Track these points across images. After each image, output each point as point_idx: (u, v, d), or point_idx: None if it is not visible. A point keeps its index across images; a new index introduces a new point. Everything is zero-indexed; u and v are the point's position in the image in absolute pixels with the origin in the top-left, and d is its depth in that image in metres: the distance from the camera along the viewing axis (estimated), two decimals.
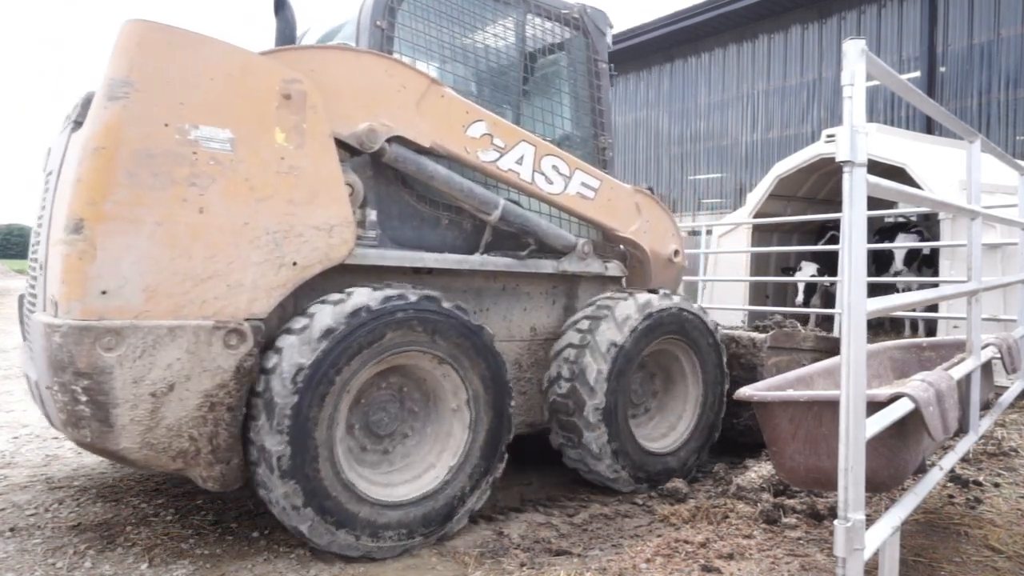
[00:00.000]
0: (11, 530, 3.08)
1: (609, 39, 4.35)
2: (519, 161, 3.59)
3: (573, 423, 3.57)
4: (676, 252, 4.41)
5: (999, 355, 3.18)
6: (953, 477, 3.73)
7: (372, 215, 3.27)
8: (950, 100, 10.05)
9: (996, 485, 3.72)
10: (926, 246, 8.06)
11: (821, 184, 9.65)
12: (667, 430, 4.05)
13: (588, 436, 3.55)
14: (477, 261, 3.57)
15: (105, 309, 2.49)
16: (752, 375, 4.15)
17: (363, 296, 2.85)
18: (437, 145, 3.35)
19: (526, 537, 3.09)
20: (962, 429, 2.70)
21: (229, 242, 2.71)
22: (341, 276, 3.04)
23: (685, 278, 9.90)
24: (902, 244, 8.65)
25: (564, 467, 3.80)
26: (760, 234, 9.35)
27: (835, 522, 1.73)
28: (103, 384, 2.48)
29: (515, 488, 3.80)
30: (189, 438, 2.63)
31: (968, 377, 2.70)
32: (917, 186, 6.72)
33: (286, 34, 3.56)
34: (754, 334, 4.45)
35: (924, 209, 7.64)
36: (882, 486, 2.25)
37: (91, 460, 4.16)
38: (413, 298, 2.96)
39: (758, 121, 12.52)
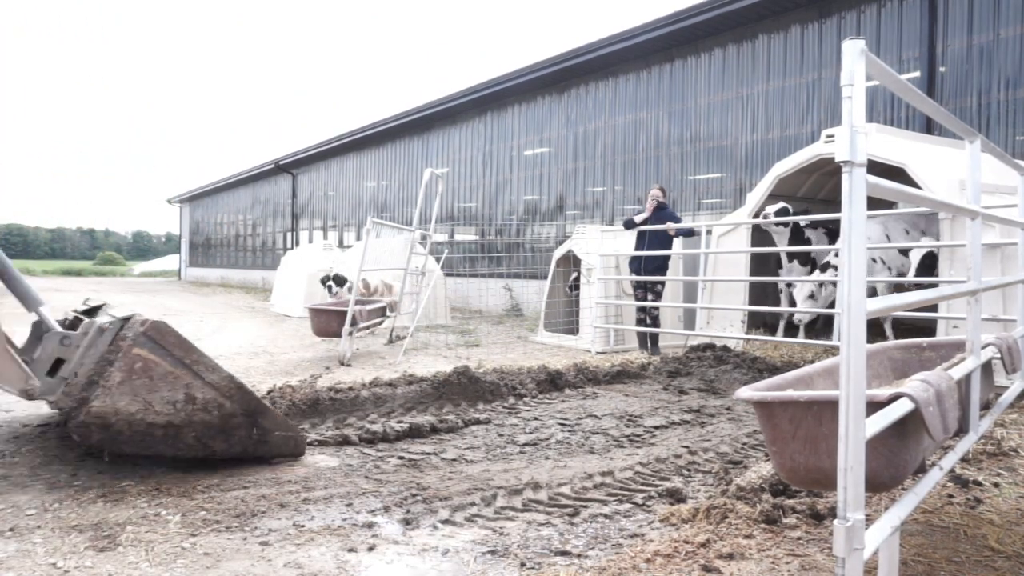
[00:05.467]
0: (11, 530, 3.08)
1: None
2: None
3: None
4: None
5: (999, 355, 3.18)
6: (953, 477, 3.73)
7: None
8: (949, 100, 10.04)
9: (996, 485, 3.72)
10: (936, 246, 8.04)
11: (821, 184, 9.65)
12: None
13: None
14: None
15: None
16: None
17: None
18: None
19: (526, 537, 3.09)
20: (962, 429, 2.70)
21: None
22: None
23: (686, 278, 9.94)
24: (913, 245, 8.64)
25: (569, 468, 3.77)
26: (760, 234, 9.35)
27: (835, 522, 1.73)
28: None
29: (505, 489, 3.80)
30: None
31: (968, 377, 2.70)
32: (917, 186, 6.72)
33: None
34: None
35: (924, 209, 7.63)
36: (882, 486, 2.25)
37: (92, 460, 4.16)
38: None
39: (758, 121, 12.51)
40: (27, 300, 4.19)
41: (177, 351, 3.83)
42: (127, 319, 3.94)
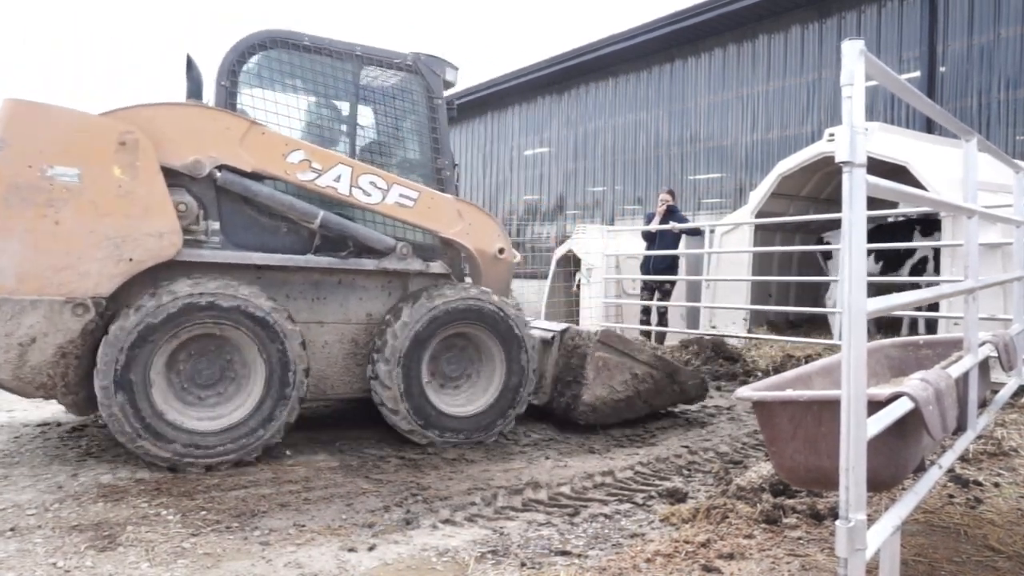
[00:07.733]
0: (11, 530, 3.08)
1: (451, 78, 5.08)
2: (336, 179, 4.46)
3: (378, 385, 4.47)
4: (501, 250, 5.06)
5: (996, 353, 3.17)
6: (953, 477, 3.73)
7: (215, 226, 4.26)
8: (949, 100, 10.04)
9: (996, 485, 3.72)
10: (937, 245, 8.04)
11: (823, 184, 9.64)
12: (470, 399, 4.80)
13: (386, 395, 4.44)
14: (301, 260, 4.45)
15: None
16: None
17: (181, 286, 3.94)
18: (260, 170, 4.30)
19: (526, 537, 3.09)
20: (960, 427, 2.70)
21: (79, 244, 3.82)
22: (191, 270, 4.09)
23: (690, 278, 9.94)
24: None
25: (569, 468, 3.77)
26: (763, 233, 9.34)
27: (837, 522, 1.72)
28: None
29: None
30: (48, 376, 3.81)
31: (966, 375, 2.70)
32: (919, 185, 6.72)
33: (193, 89, 4.66)
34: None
35: (924, 208, 7.63)
36: (882, 485, 2.25)
37: (92, 460, 4.16)
38: (211, 287, 3.98)
39: (758, 121, 12.51)
40: None
41: (618, 346, 5.16)
42: (565, 330, 5.34)
